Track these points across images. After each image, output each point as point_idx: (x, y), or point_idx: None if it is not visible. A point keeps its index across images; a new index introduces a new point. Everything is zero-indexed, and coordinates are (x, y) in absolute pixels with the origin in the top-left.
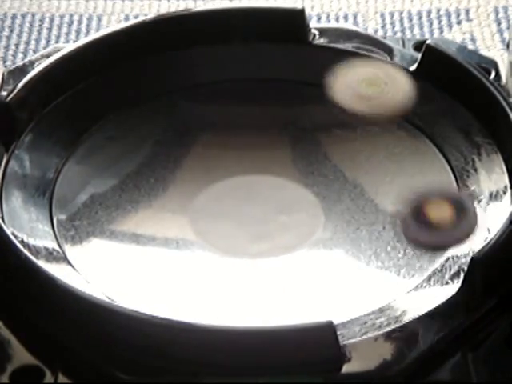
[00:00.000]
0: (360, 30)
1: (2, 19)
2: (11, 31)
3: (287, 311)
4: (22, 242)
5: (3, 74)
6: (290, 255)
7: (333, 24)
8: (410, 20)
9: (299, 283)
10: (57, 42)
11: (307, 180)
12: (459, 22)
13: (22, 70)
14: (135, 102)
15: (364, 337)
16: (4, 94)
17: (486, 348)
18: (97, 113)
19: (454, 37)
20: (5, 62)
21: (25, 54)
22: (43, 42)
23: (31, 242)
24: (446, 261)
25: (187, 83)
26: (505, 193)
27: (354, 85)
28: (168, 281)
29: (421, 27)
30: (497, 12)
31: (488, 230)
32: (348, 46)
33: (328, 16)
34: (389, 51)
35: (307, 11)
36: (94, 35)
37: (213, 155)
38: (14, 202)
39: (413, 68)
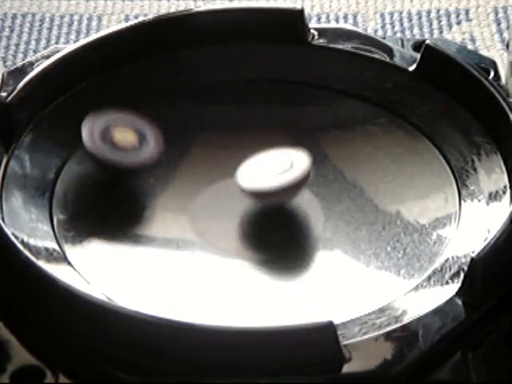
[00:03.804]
0: (359, 30)
1: (2, 19)
2: (11, 31)
3: (287, 311)
4: (22, 242)
5: (3, 75)
6: (290, 255)
7: (332, 24)
8: (410, 20)
9: (299, 283)
10: (57, 42)
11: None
12: (459, 22)
13: (22, 71)
14: (135, 102)
15: (364, 337)
16: (4, 94)
17: (485, 348)
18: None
19: (453, 37)
20: (5, 62)
21: (25, 54)
22: (43, 42)
23: (31, 242)
24: (446, 261)
25: (187, 83)
26: (504, 193)
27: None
28: (168, 281)
29: (420, 27)
30: (496, 12)
31: (488, 230)
32: (347, 46)
33: (328, 16)
34: (388, 51)
35: (307, 11)
36: (94, 36)
37: (213, 155)
38: (14, 202)
39: (412, 68)
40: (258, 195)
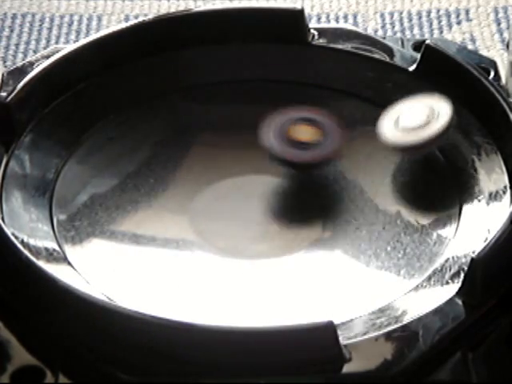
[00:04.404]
0: (359, 30)
1: (2, 19)
2: (11, 31)
3: (287, 311)
4: (22, 242)
5: (3, 75)
6: (289, 255)
7: (332, 24)
8: (410, 20)
9: (299, 283)
10: (57, 42)
11: (307, 180)
12: (459, 22)
13: (22, 71)
14: (135, 102)
15: (364, 337)
16: (4, 94)
17: (485, 348)
18: (97, 113)
19: (453, 37)
20: (5, 62)
21: (25, 54)
22: (43, 42)
23: (31, 242)
24: (446, 261)
25: (187, 83)
26: (504, 193)
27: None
28: (168, 281)
29: (420, 27)
30: (496, 12)
31: (488, 230)
32: (347, 46)
33: (328, 16)
34: (388, 51)
35: (307, 11)
36: (93, 36)
37: (213, 155)
38: (14, 202)
39: (412, 68)
40: (405, 149)
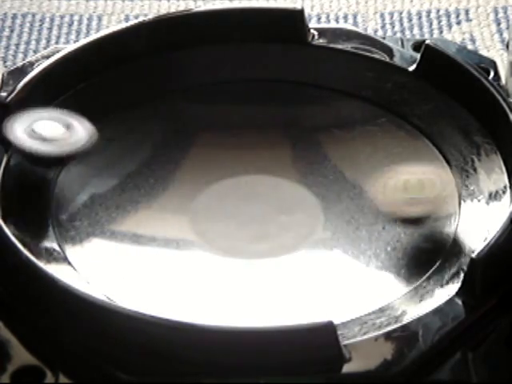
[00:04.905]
0: (359, 30)
1: (2, 19)
2: (11, 31)
3: (287, 311)
4: (22, 242)
5: (3, 75)
6: (289, 255)
7: (332, 24)
8: (410, 20)
9: (299, 283)
10: (57, 42)
11: (307, 180)
12: (459, 22)
13: (22, 71)
14: (135, 102)
15: (364, 337)
16: (4, 94)
17: (485, 348)
18: (97, 113)
19: (453, 37)
20: (5, 62)
21: (25, 54)
22: (43, 42)
23: (31, 242)
24: (446, 261)
25: (187, 83)
26: (504, 193)
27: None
28: (168, 281)
29: (420, 27)
30: (496, 12)
31: (488, 229)
32: (347, 46)
33: (328, 16)
34: (388, 51)
35: (307, 11)
36: (94, 36)
37: (213, 155)
38: (14, 202)
39: (412, 68)
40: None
